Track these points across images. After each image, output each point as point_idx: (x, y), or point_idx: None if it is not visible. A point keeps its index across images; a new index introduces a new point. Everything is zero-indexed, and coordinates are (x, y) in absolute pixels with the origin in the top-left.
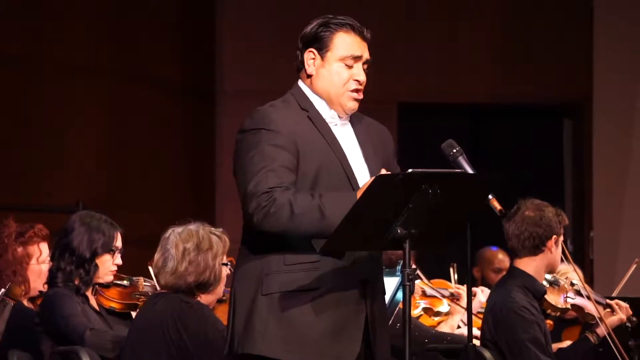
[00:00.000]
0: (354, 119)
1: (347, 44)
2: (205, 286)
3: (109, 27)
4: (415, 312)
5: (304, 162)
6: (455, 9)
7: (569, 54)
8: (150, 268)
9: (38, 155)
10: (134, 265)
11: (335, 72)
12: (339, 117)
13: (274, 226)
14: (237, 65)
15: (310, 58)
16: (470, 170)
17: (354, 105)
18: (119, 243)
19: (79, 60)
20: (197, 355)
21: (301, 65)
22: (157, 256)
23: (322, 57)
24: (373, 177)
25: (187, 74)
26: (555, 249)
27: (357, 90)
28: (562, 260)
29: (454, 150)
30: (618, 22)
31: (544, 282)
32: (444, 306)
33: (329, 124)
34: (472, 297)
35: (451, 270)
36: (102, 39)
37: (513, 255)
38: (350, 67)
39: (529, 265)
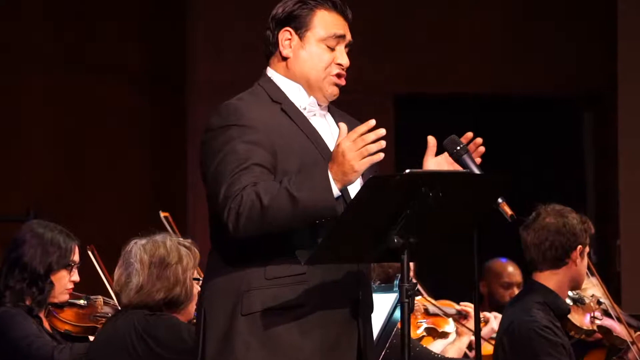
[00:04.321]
0: (333, 110)
1: (328, 23)
2: (175, 304)
3: (67, 12)
4: (417, 333)
5: (283, 160)
6: None
7: (591, 41)
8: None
9: None
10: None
11: (316, 55)
12: (318, 104)
13: (249, 228)
14: (211, 52)
15: (285, 38)
16: (476, 170)
17: (335, 91)
18: (76, 257)
19: (34, 49)
20: None
21: (272, 49)
22: (118, 272)
23: (301, 37)
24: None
25: (152, 62)
26: (580, 261)
27: (339, 75)
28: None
29: (458, 148)
30: None
31: (567, 300)
32: (450, 326)
33: (307, 115)
34: (484, 323)
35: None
36: (59, 25)
37: (532, 268)
38: (332, 49)
39: (551, 279)
